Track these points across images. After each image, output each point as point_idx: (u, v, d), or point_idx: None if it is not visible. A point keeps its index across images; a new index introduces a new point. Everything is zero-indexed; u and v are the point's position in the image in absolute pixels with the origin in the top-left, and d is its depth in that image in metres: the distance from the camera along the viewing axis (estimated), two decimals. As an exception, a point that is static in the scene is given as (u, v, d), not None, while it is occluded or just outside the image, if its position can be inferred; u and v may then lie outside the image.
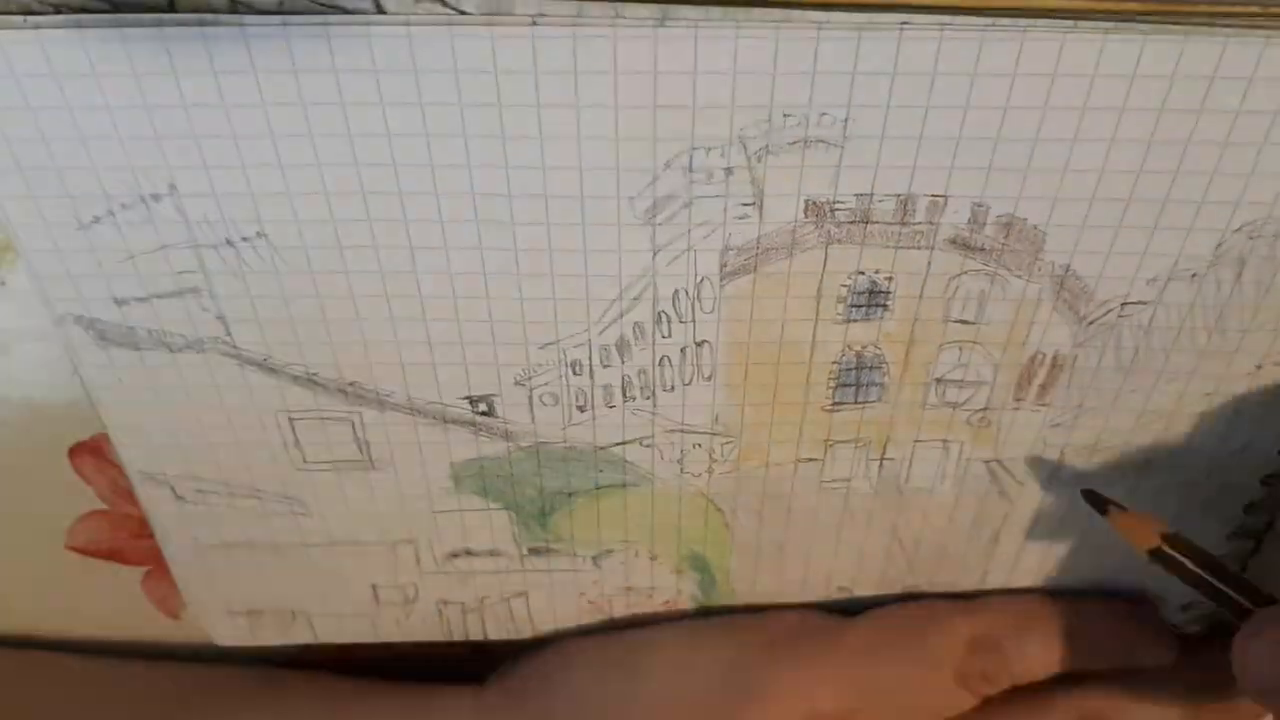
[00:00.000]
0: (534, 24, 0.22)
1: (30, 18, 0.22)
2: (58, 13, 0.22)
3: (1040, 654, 0.34)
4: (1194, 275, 0.26)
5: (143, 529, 0.33)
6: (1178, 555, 0.28)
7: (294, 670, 0.39)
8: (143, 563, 0.35)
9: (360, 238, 0.26)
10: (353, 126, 0.23)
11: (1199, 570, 0.28)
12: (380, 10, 0.22)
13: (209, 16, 0.22)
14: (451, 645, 0.37)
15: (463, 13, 0.22)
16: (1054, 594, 0.35)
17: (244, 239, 0.26)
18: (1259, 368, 0.28)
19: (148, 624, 0.37)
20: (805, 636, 0.35)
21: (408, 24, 0.22)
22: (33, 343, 0.29)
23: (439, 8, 0.22)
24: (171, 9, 0.22)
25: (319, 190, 0.25)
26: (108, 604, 0.36)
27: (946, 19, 0.22)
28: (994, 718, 0.35)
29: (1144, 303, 0.27)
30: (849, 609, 0.36)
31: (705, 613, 0.36)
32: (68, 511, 0.34)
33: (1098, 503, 0.30)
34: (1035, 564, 0.34)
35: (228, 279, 0.26)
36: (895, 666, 0.34)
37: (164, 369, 0.28)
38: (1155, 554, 0.29)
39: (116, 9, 0.22)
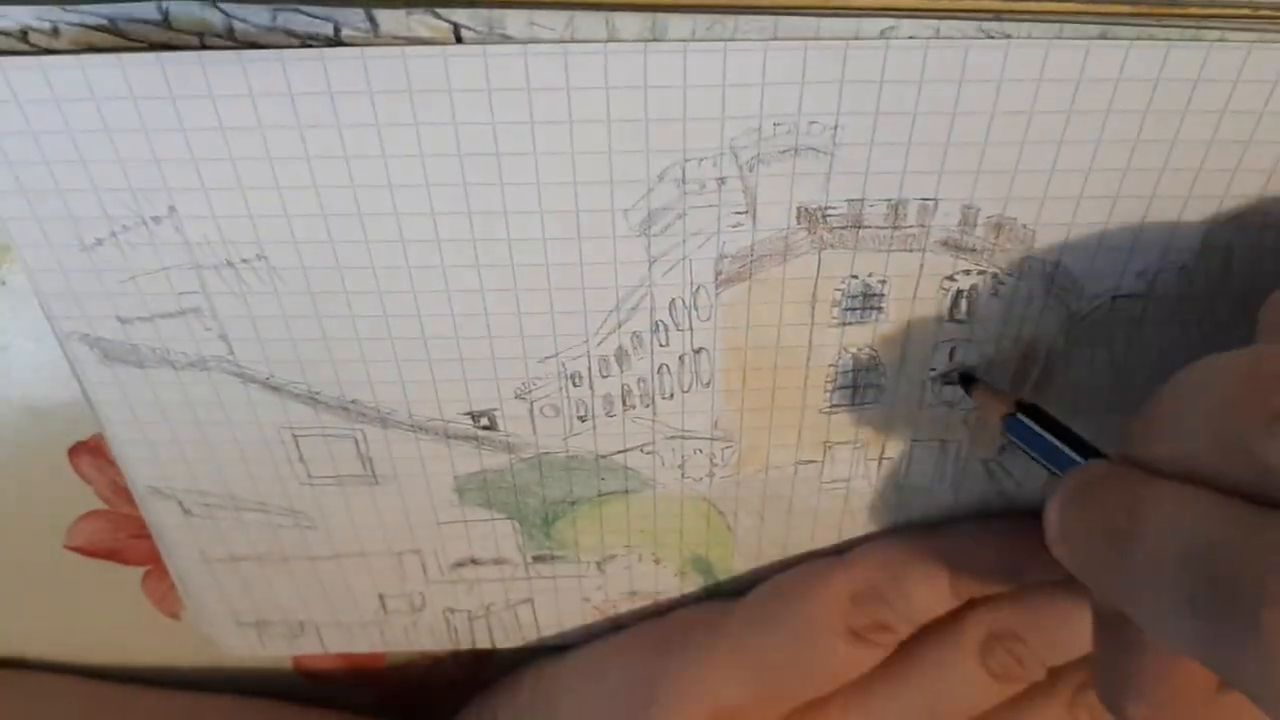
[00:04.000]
0: (527, 43, 0.22)
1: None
2: (55, 34, 0.22)
3: (925, 592, 0.31)
4: (1182, 268, 0.27)
5: (143, 529, 0.33)
6: (1031, 424, 0.27)
7: (294, 705, 0.39)
8: (143, 563, 0.35)
9: (358, 259, 0.26)
10: (349, 148, 0.24)
11: (1055, 441, 0.26)
12: (376, 31, 0.22)
13: (208, 52, 0.22)
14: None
15: (459, 36, 0.22)
16: (936, 527, 0.33)
17: (243, 260, 0.26)
18: None
19: (147, 624, 0.37)
20: (696, 629, 0.34)
21: (403, 46, 0.22)
22: (32, 342, 0.29)
23: (433, 19, 0.22)
24: (167, 24, 0.22)
25: (317, 212, 0.25)
26: (107, 604, 0.36)
27: (934, 24, 0.22)
28: (902, 654, 0.33)
29: (1135, 296, 0.27)
30: None
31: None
32: (67, 511, 0.34)
33: (968, 383, 0.29)
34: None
35: (229, 299, 0.27)
36: (783, 639, 0.32)
37: (168, 386, 0.29)
38: (1010, 421, 0.27)
39: (113, 22, 0.22)
